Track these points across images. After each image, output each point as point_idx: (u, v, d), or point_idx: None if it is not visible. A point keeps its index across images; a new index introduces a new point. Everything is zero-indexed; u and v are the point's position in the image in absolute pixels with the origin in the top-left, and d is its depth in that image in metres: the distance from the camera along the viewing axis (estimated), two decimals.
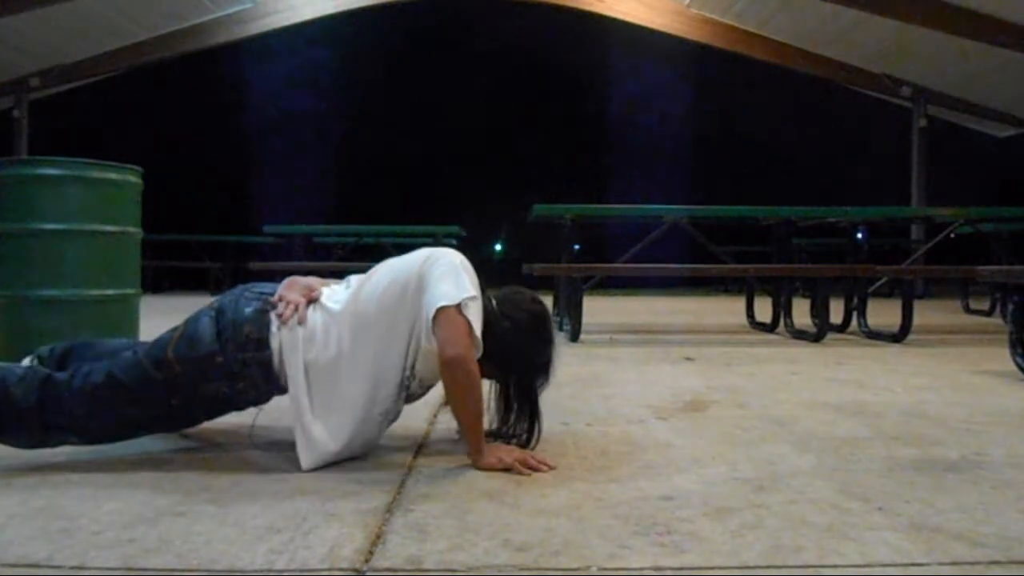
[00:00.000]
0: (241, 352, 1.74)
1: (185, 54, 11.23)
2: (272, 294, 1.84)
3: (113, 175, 3.35)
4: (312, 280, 1.93)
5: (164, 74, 12.32)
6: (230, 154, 14.51)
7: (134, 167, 3.49)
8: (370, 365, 1.76)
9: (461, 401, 1.75)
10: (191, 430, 2.04)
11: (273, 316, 1.78)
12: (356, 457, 1.80)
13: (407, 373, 1.80)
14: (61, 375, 1.77)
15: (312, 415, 1.74)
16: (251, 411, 1.89)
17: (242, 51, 12.51)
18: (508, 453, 1.74)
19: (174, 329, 1.80)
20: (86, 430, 1.76)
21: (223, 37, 11.08)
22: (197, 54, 11.31)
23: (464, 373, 1.71)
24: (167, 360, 1.73)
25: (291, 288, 1.85)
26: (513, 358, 1.89)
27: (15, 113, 11.12)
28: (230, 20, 10.95)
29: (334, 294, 1.88)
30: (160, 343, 1.78)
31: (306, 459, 1.72)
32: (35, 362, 1.93)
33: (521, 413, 1.92)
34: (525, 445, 1.87)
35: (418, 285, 1.79)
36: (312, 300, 1.84)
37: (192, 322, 1.79)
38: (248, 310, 1.78)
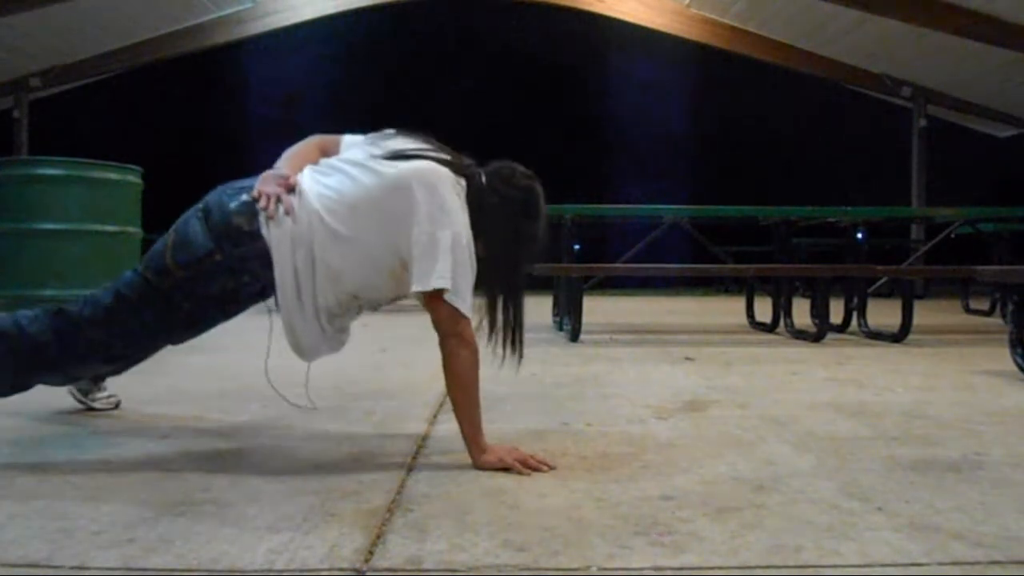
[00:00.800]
0: (237, 247, 1.75)
1: (185, 54, 11.22)
2: (251, 188, 1.83)
3: (113, 175, 3.36)
4: (285, 166, 1.89)
5: (164, 74, 12.31)
6: (230, 154, 14.51)
7: (134, 167, 3.49)
8: (350, 279, 1.79)
9: (462, 392, 1.75)
10: (189, 432, 2.04)
11: (260, 210, 1.78)
12: (356, 458, 1.80)
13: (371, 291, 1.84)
14: (71, 306, 1.81)
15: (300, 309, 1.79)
16: (257, 417, 1.89)
17: (242, 51, 12.51)
18: (508, 453, 1.74)
19: (166, 237, 1.82)
20: (110, 352, 1.80)
21: (223, 37, 11.08)
22: (197, 54, 11.31)
23: (464, 373, 1.72)
24: (167, 268, 1.76)
25: (266, 182, 1.83)
26: (499, 233, 1.85)
27: (15, 113, 11.11)
28: (230, 20, 10.94)
29: (316, 185, 1.83)
30: (156, 253, 1.80)
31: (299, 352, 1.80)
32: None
33: (506, 311, 1.88)
34: (512, 351, 1.86)
35: (418, 238, 1.75)
36: (290, 188, 1.81)
37: (182, 226, 1.81)
38: (233, 204, 1.79)
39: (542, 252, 1.94)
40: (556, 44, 14.38)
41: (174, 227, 1.82)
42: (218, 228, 1.77)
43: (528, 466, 1.71)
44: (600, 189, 14.22)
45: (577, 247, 5.48)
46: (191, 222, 1.80)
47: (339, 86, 15.63)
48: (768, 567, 1.18)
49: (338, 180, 1.83)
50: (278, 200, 1.78)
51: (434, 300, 1.74)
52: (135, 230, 3.50)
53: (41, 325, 1.78)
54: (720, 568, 1.18)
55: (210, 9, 10.70)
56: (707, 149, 15.51)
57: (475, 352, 1.75)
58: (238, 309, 1.88)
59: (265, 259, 1.76)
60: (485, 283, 1.84)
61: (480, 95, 15.50)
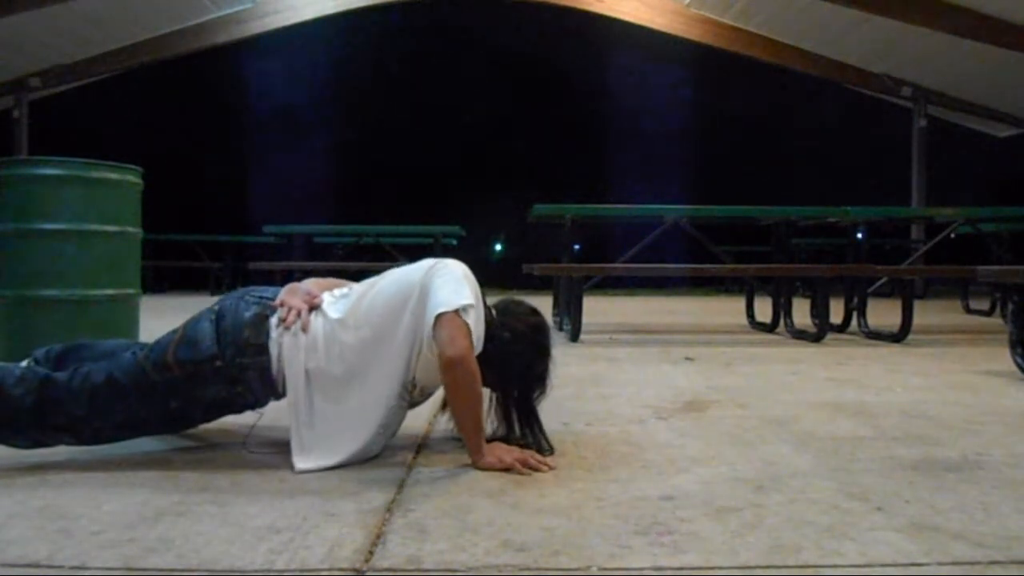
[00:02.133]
0: (240, 356, 1.75)
1: (185, 54, 11.22)
2: (272, 298, 1.85)
3: (113, 175, 3.36)
4: (312, 286, 1.92)
5: (164, 74, 12.32)
6: (230, 154, 14.51)
7: (134, 167, 3.49)
8: (377, 381, 1.78)
9: (462, 400, 1.75)
10: (190, 431, 2.04)
11: (273, 321, 1.79)
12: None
13: (410, 384, 1.81)
14: (60, 375, 1.76)
15: (310, 426, 1.75)
16: (251, 414, 1.89)
17: (242, 51, 12.51)
18: (508, 453, 1.74)
19: (174, 331, 1.80)
20: (83, 431, 1.76)
21: (223, 37, 11.08)
22: (197, 54, 11.31)
23: (464, 372, 1.71)
24: (167, 363, 1.74)
25: (293, 294, 1.86)
26: (513, 367, 1.90)
27: (15, 113, 11.11)
28: (230, 20, 10.95)
29: (336, 302, 1.88)
30: (160, 345, 1.78)
31: (300, 464, 1.71)
32: (31, 364, 1.92)
33: (523, 424, 1.92)
34: (540, 452, 1.85)
35: (420, 294, 1.80)
36: (314, 307, 1.84)
37: (192, 325, 1.80)
38: (248, 314, 1.79)
39: (550, 385, 1.98)
40: (556, 44, 14.38)
41: (184, 323, 1.82)
42: (227, 334, 1.76)
43: (528, 466, 1.71)
44: (600, 189, 14.23)
45: (577, 247, 5.48)
46: (202, 322, 1.79)
47: (339, 86, 15.63)
48: (768, 567, 1.18)
49: (356, 291, 1.91)
50: (298, 314, 1.79)
51: (445, 320, 1.72)
52: (135, 230, 3.49)
53: (25, 388, 1.72)
54: (720, 568, 1.18)
55: (210, 9, 10.70)
56: (707, 149, 15.51)
57: (476, 371, 1.74)
58: (221, 415, 1.87)
59: (264, 374, 1.77)
60: (502, 414, 1.92)
61: (480, 95, 15.50)
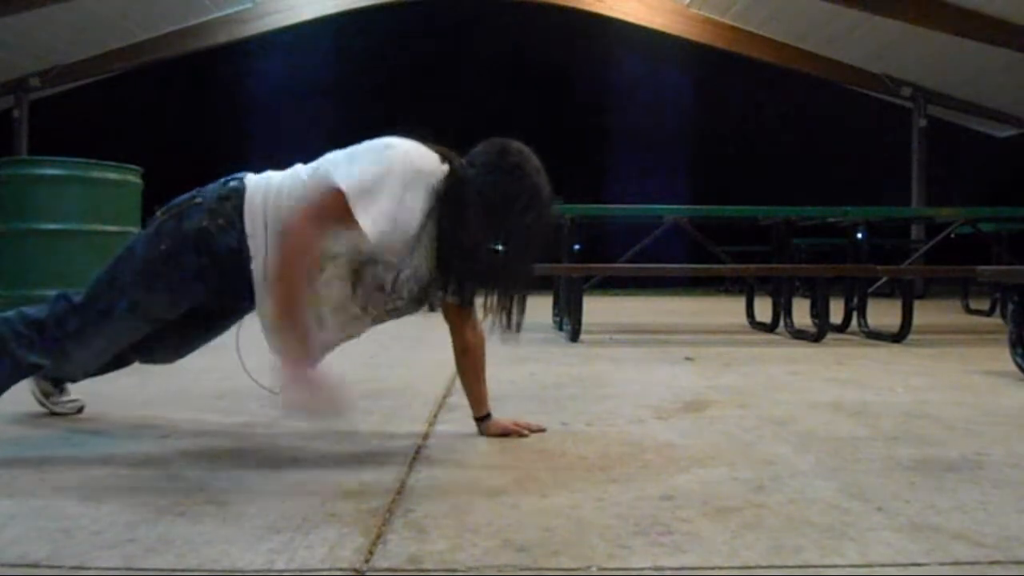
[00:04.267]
0: (217, 194, 1.84)
1: (185, 54, 11.22)
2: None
3: (113, 175, 3.36)
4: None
5: (164, 74, 12.31)
6: (230, 154, 14.51)
7: (134, 167, 3.50)
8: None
9: (279, 275, 1.71)
10: (189, 432, 2.04)
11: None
12: (356, 458, 1.80)
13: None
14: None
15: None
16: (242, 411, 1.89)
17: (242, 51, 12.51)
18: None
19: None
20: (91, 312, 1.83)
21: (223, 37, 11.08)
22: (197, 54, 11.31)
23: (291, 245, 1.69)
24: (155, 216, 1.87)
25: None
26: (489, 203, 1.75)
27: (15, 113, 11.11)
28: (230, 20, 10.95)
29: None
30: (152, 216, 1.90)
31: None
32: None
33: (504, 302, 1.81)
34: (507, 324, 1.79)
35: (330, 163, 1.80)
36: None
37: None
38: (231, 182, 1.89)
39: (547, 214, 1.83)
40: (556, 44, 14.37)
41: None
42: (207, 186, 1.88)
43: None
44: (600, 189, 14.22)
45: (577, 247, 5.48)
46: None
47: (339, 86, 15.62)
48: (768, 567, 1.18)
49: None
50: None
51: (318, 193, 1.72)
52: (135, 230, 3.49)
53: (40, 307, 1.88)
54: (720, 568, 1.18)
55: (210, 9, 10.70)
56: (707, 149, 15.50)
57: (309, 249, 1.70)
58: (213, 271, 1.81)
59: (239, 209, 1.80)
60: (474, 276, 1.81)
61: (479, 94, 15.48)
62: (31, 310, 1.90)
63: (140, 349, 2.05)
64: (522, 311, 1.85)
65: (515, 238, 1.79)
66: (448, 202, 1.76)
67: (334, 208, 1.68)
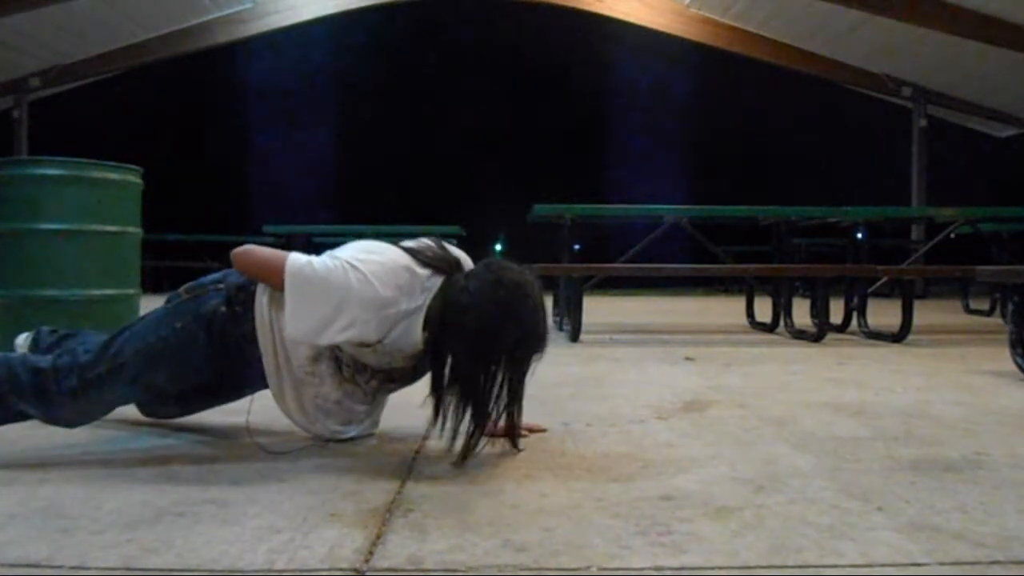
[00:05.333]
0: (239, 282, 1.84)
1: (185, 54, 11.22)
2: None
3: (113, 175, 3.36)
4: None
5: (164, 74, 12.32)
6: (230, 154, 14.51)
7: (134, 167, 3.49)
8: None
9: (247, 265, 1.79)
10: (189, 432, 2.04)
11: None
12: (356, 458, 1.80)
13: (329, 354, 1.82)
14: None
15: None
16: (244, 408, 1.89)
17: (242, 51, 12.51)
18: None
19: None
20: (91, 373, 1.79)
21: (223, 37, 11.08)
22: (197, 54, 11.31)
23: (239, 254, 1.78)
24: (179, 294, 1.88)
25: None
26: (475, 337, 1.67)
27: (15, 113, 11.12)
28: (230, 20, 10.95)
29: None
30: (176, 291, 1.91)
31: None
32: (31, 337, 2.08)
33: (463, 401, 1.70)
34: (467, 449, 1.70)
35: None
36: None
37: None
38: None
39: (532, 354, 1.73)
40: (556, 44, 14.37)
41: None
42: (231, 272, 1.87)
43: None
44: (600, 189, 14.22)
45: (577, 247, 5.48)
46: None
47: (339, 86, 15.63)
48: (768, 567, 1.18)
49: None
50: None
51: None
52: (135, 230, 3.49)
53: (45, 356, 1.85)
54: (720, 568, 1.18)
55: (210, 9, 10.71)
56: (707, 149, 15.50)
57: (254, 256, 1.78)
58: (222, 357, 1.84)
59: (254, 298, 1.82)
60: (470, 393, 1.71)
61: (479, 95, 15.49)
62: (34, 356, 1.87)
63: (142, 404, 2.06)
64: (477, 440, 1.72)
65: (497, 370, 1.70)
66: (434, 322, 1.73)
67: (272, 275, 1.74)
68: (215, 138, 14.31)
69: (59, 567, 1.17)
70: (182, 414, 2.11)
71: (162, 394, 1.96)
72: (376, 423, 2.03)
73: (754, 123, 14.98)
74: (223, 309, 1.81)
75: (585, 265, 5.13)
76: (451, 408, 1.71)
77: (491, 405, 1.72)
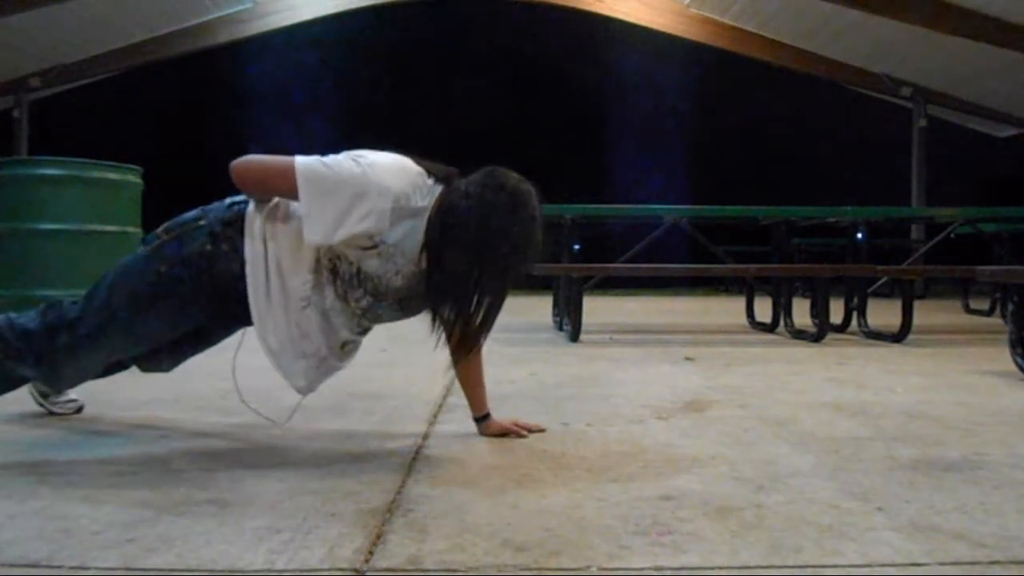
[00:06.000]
0: (222, 216, 1.80)
1: (185, 54, 11.22)
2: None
3: (113, 175, 3.36)
4: None
5: (164, 74, 12.32)
6: (230, 154, 14.49)
7: (134, 167, 3.50)
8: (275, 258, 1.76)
9: (251, 174, 1.74)
10: (189, 432, 2.04)
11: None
12: (356, 458, 1.80)
13: (327, 260, 1.76)
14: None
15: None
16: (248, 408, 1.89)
17: (242, 51, 12.51)
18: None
19: None
20: (80, 327, 1.78)
21: (223, 37, 11.08)
22: (197, 54, 11.31)
23: (241, 166, 1.74)
24: (157, 234, 1.83)
25: None
26: (474, 239, 1.68)
27: (15, 113, 11.12)
28: (230, 20, 10.95)
29: None
30: (153, 231, 1.86)
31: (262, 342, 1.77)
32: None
33: (458, 300, 1.72)
34: (462, 335, 1.74)
35: None
36: None
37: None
38: (236, 206, 1.85)
39: (528, 261, 1.77)
40: (556, 44, 14.38)
41: None
42: (211, 207, 1.85)
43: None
44: (600, 189, 14.22)
45: (577, 247, 5.49)
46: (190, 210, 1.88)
47: (339, 86, 15.63)
48: (768, 567, 1.18)
49: None
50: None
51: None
52: (135, 230, 3.50)
53: (31, 316, 1.83)
54: (720, 568, 1.18)
55: (210, 9, 10.71)
56: (708, 149, 15.51)
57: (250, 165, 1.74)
58: (211, 297, 1.80)
59: (242, 233, 1.78)
60: (464, 295, 1.73)
61: (479, 95, 15.49)
62: (21, 318, 1.83)
63: (132, 360, 2.04)
64: (483, 330, 1.77)
65: (490, 276, 1.72)
66: (433, 225, 1.72)
67: (280, 178, 1.69)
68: (215, 138, 14.31)
69: (59, 567, 1.17)
70: (175, 365, 2.07)
71: (151, 345, 1.92)
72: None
73: (754, 123, 14.99)
74: (208, 247, 1.77)
75: (585, 265, 5.13)
76: (446, 307, 1.73)
77: (474, 301, 1.73)
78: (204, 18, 10.83)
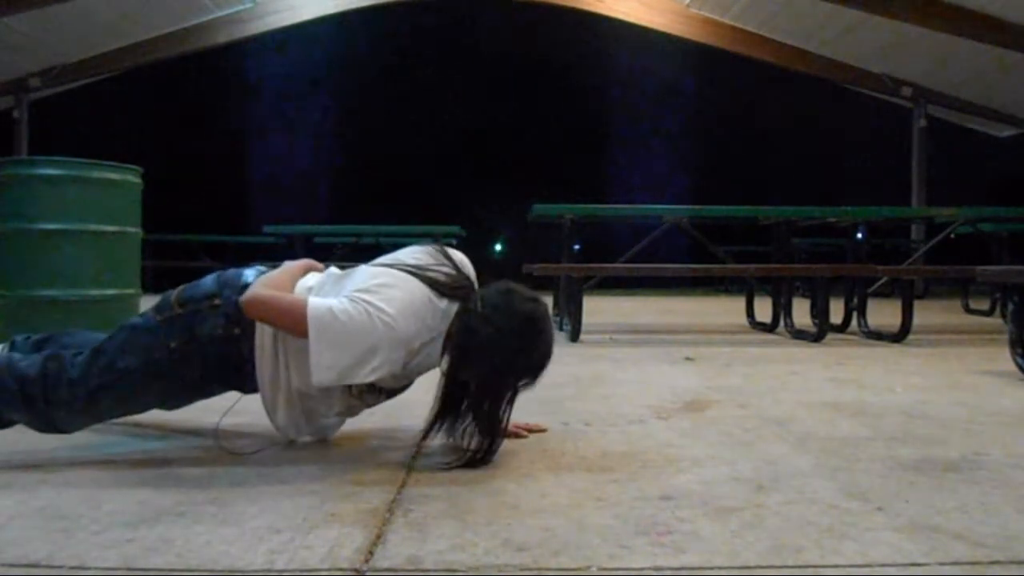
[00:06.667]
0: (236, 304, 1.75)
1: (185, 54, 11.22)
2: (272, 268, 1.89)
3: (113, 175, 3.36)
4: (308, 262, 1.96)
5: (164, 74, 12.32)
6: (230, 154, 14.52)
7: (134, 167, 3.49)
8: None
9: (262, 315, 1.70)
10: (189, 432, 2.04)
11: None
12: (356, 458, 1.80)
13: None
14: (68, 352, 1.83)
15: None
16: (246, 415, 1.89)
17: (242, 51, 12.51)
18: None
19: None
20: (88, 391, 1.76)
21: (223, 37, 11.07)
22: (197, 54, 11.31)
23: (253, 305, 1.68)
24: (170, 304, 1.81)
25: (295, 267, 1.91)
26: (493, 366, 1.72)
27: (15, 113, 11.11)
28: (230, 20, 10.94)
29: (321, 278, 1.89)
30: (166, 296, 1.84)
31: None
32: (7, 348, 1.97)
33: (479, 422, 1.76)
34: (472, 460, 1.74)
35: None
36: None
37: (196, 280, 1.87)
38: (250, 272, 1.84)
39: (538, 378, 1.80)
40: (556, 44, 14.38)
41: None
42: (228, 281, 1.82)
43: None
44: (600, 189, 14.23)
45: (577, 247, 5.48)
46: (207, 276, 1.86)
47: (339, 86, 15.63)
48: (768, 567, 1.18)
49: (329, 279, 1.88)
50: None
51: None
52: (135, 230, 3.50)
53: (32, 361, 1.79)
54: (720, 568, 1.18)
55: (210, 9, 10.70)
56: (707, 149, 15.51)
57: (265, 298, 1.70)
58: (222, 374, 1.83)
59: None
60: (449, 405, 1.77)
61: (480, 95, 15.50)
62: (23, 361, 1.80)
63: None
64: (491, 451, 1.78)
65: (503, 389, 1.76)
66: (452, 348, 1.74)
67: (291, 322, 1.66)
68: (215, 138, 14.31)
69: (59, 567, 1.17)
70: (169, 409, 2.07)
71: (145, 411, 1.92)
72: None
73: (754, 123, 14.99)
74: (220, 331, 1.76)
75: (585, 265, 5.12)
76: (465, 429, 1.77)
77: (502, 423, 1.77)
78: (204, 18, 10.82)
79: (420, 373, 1.86)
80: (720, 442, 2.01)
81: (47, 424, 1.80)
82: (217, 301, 1.78)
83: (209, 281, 1.84)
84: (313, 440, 1.93)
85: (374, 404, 1.91)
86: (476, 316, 1.73)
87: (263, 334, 1.77)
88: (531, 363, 1.76)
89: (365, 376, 1.65)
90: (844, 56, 11.27)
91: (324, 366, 1.63)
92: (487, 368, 1.72)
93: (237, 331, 1.77)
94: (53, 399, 1.75)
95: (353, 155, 15.65)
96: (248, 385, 1.83)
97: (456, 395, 1.76)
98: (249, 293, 1.70)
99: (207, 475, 1.67)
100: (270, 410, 1.83)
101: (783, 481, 1.64)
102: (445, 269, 1.80)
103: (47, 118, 11.54)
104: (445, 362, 1.76)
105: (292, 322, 1.66)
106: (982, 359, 3.78)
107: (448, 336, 1.76)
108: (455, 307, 1.77)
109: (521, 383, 1.78)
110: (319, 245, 9.45)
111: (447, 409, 1.77)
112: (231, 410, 1.94)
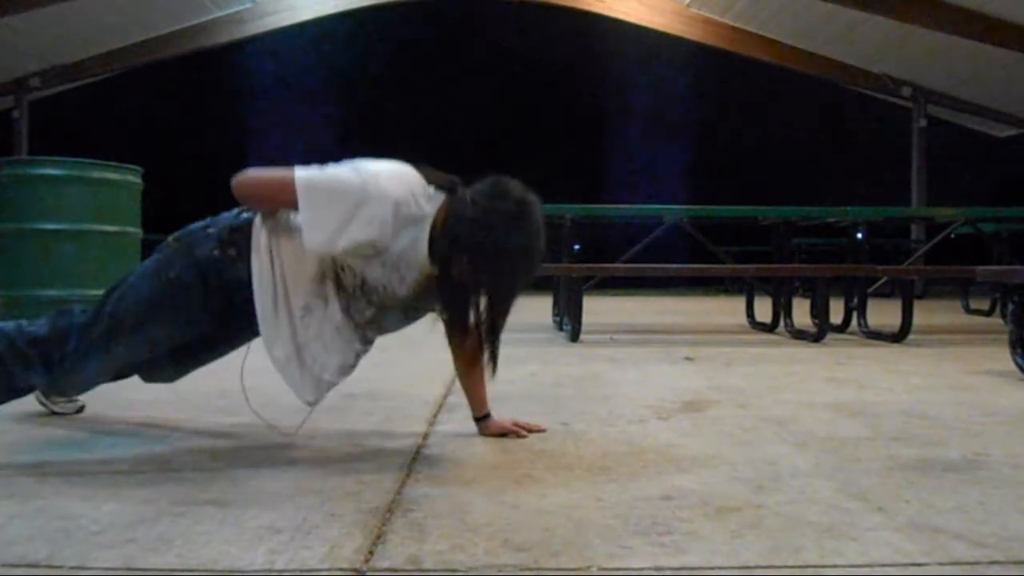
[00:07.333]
0: (230, 225, 1.81)
1: (185, 54, 11.22)
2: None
3: (113, 175, 3.36)
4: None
5: (164, 74, 12.32)
6: (230, 154, 14.52)
7: (134, 167, 3.50)
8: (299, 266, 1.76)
9: (251, 188, 1.75)
10: (189, 432, 2.04)
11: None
12: (356, 458, 1.80)
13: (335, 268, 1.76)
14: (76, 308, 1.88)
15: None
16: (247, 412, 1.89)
17: (242, 51, 12.51)
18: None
19: None
20: (92, 332, 1.78)
21: (223, 37, 11.08)
22: (197, 54, 11.31)
23: (242, 183, 1.73)
24: (166, 243, 1.85)
25: None
26: (483, 251, 1.69)
27: (15, 113, 11.11)
28: (230, 20, 10.95)
29: None
30: (163, 243, 1.87)
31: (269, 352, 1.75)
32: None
33: (490, 329, 1.77)
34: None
35: None
36: None
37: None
38: (244, 214, 1.85)
39: (535, 269, 1.78)
40: (556, 44, 14.38)
41: None
42: (220, 216, 1.86)
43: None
44: (600, 189, 14.23)
45: (577, 247, 5.48)
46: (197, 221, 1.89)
47: (339, 87, 15.63)
48: (768, 567, 1.18)
49: None
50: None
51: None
52: (135, 230, 3.50)
53: (41, 323, 1.83)
54: (720, 568, 1.18)
55: (210, 9, 10.70)
56: (707, 149, 15.52)
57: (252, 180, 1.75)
58: (219, 304, 1.81)
59: (249, 241, 1.77)
60: (472, 302, 1.77)
61: (480, 95, 15.50)
62: (32, 326, 1.83)
63: (138, 367, 2.03)
64: (492, 336, 1.80)
65: (499, 282, 1.76)
66: (439, 233, 1.73)
67: (280, 189, 1.69)
68: (215, 138, 14.32)
69: (59, 567, 1.17)
70: (177, 375, 2.08)
71: (159, 351, 1.91)
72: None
73: (754, 123, 14.99)
74: (216, 253, 1.78)
75: (585, 265, 5.12)
76: (456, 315, 1.79)
77: (483, 308, 1.77)
78: (204, 18, 10.83)
79: (407, 267, 1.76)
80: (720, 442, 2.01)
81: (66, 382, 1.84)
82: (211, 229, 1.82)
83: (200, 221, 1.88)
84: (313, 402, 1.81)
85: (367, 327, 1.83)
86: (463, 201, 1.74)
87: (260, 251, 1.76)
88: (527, 246, 1.72)
89: (356, 231, 1.65)
90: (844, 56, 11.28)
91: (313, 225, 1.65)
92: (480, 253, 1.69)
93: (232, 252, 1.78)
94: (68, 352, 1.78)
95: (353, 155, 15.62)
96: (250, 320, 1.77)
97: (446, 283, 1.74)
98: (238, 174, 1.75)
99: (207, 475, 1.67)
100: (268, 343, 1.76)
101: (783, 481, 1.64)
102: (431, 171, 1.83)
103: (47, 118, 11.55)
104: (437, 263, 1.73)
105: (280, 189, 1.69)
106: (982, 359, 3.78)
107: (435, 228, 1.74)
108: (442, 197, 1.78)
109: (517, 276, 1.75)
110: None
111: (443, 299, 1.77)
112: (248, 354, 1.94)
